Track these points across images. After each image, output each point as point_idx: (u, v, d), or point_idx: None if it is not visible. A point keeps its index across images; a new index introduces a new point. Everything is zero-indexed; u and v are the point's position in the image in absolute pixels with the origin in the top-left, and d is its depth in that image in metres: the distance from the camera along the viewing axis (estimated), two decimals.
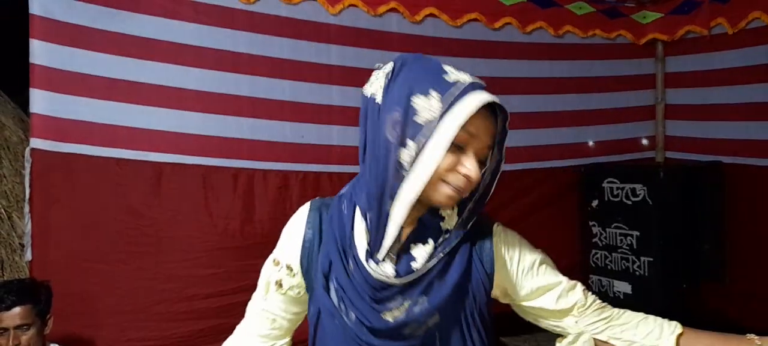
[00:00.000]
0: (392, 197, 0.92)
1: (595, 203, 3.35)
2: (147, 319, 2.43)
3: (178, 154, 2.46)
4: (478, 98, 0.91)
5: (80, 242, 2.32)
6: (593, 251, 3.38)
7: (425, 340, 0.98)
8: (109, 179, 2.36)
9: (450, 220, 1.00)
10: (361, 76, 3.08)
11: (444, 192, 0.93)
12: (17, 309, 1.87)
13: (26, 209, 2.25)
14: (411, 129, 0.89)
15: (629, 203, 3.18)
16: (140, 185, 2.42)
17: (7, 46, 3.34)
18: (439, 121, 0.89)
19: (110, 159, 2.35)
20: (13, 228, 2.63)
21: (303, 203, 2.87)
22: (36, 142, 2.23)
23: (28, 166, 2.24)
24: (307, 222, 1.06)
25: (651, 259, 3.11)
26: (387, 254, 0.96)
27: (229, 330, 2.77)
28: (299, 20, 2.67)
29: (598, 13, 3.32)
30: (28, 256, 2.26)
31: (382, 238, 0.94)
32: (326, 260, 1.01)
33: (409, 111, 0.89)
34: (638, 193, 3.14)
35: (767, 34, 2.88)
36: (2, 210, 2.61)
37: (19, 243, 2.59)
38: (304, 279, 1.07)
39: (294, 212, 2.90)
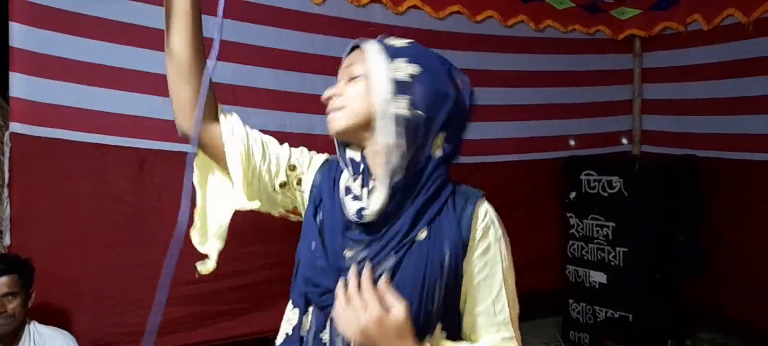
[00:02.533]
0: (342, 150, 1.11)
1: (572, 195, 3.42)
2: (127, 305, 2.42)
3: (161, 141, 2.45)
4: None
5: (60, 227, 2.31)
6: (570, 242, 3.45)
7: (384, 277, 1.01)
8: (90, 165, 2.36)
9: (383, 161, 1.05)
10: None
11: (327, 120, 1.09)
12: (4, 278, 1.93)
13: (5, 193, 2.24)
14: None
15: (605, 194, 3.25)
16: (122, 171, 2.41)
17: None
18: None
19: (91, 145, 2.35)
20: None
21: None
22: (15, 127, 2.22)
23: (7, 150, 2.22)
24: (319, 170, 1.18)
25: (626, 249, 3.19)
26: (363, 191, 1.06)
27: (210, 317, 2.79)
28: (283, 9, 2.68)
29: (578, 8, 3.38)
30: (7, 241, 2.24)
31: (353, 174, 1.08)
32: (319, 195, 1.13)
33: None
34: (614, 185, 3.21)
35: (742, 30, 2.96)
36: None
37: None
38: (301, 198, 1.18)
39: None
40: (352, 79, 1.07)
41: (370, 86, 1.03)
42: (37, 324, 2.10)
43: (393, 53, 1.06)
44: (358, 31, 3.05)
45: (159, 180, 2.47)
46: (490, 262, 1.07)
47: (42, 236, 2.27)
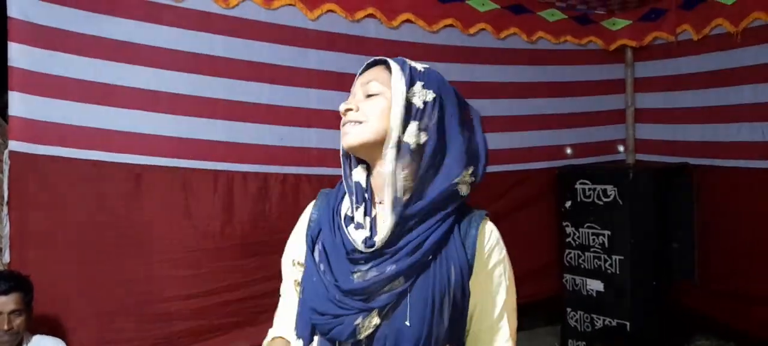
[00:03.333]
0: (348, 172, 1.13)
1: (568, 204, 3.44)
2: (125, 320, 2.44)
3: (156, 157, 2.48)
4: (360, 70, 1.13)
5: (58, 243, 2.33)
6: (567, 251, 3.47)
7: (392, 304, 1.02)
8: (86, 181, 2.37)
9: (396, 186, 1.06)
10: (340, 80, 3.15)
11: (342, 133, 1.09)
12: (13, 295, 1.97)
13: (4, 211, 2.25)
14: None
15: (601, 203, 3.27)
16: (118, 187, 2.43)
17: None
18: None
19: (87, 161, 2.36)
20: None
21: (282, 205, 2.93)
22: (14, 145, 2.24)
23: (6, 168, 2.24)
24: (314, 207, 1.18)
25: (622, 257, 3.20)
26: (366, 220, 1.06)
27: (206, 332, 2.80)
28: (278, 25, 2.71)
29: (569, 20, 3.43)
30: (6, 258, 2.25)
31: (356, 203, 1.08)
32: (317, 227, 1.13)
33: None
34: (609, 193, 3.23)
35: (730, 40, 3.01)
36: None
37: None
38: None
39: (273, 213, 2.92)
40: (371, 95, 1.07)
41: (387, 107, 1.05)
42: (29, 335, 2.12)
43: (412, 76, 1.07)
44: (353, 45, 3.11)
45: (154, 195, 2.49)
46: (494, 281, 1.11)
47: (40, 252, 2.28)
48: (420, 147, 1.04)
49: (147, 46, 2.45)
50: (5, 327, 1.96)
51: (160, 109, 2.48)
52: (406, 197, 1.04)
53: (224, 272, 2.60)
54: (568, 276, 3.49)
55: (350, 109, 1.08)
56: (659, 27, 3.37)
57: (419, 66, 1.10)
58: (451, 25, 3.12)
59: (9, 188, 2.25)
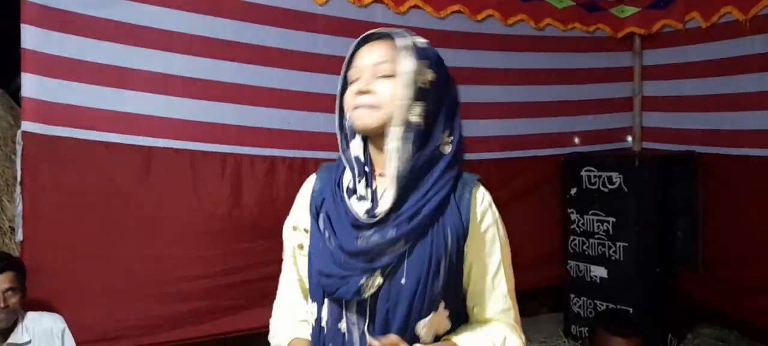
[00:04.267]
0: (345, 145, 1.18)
1: (573, 191, 3.46)
2: (135, 300, 2.49)
3: (166, 139, 2.52)
4: (356, 42, 1.16)
5: (70, 223, 2.37)
6: (571, 237, 3.49)
7: (394, 264, 1.09)
8: (98, 162, 2.41)
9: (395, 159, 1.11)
10: None
11: (354, 116, 1.12)
12: (8, 273, 2.02)
13: (18, 190, 2.30)
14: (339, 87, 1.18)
15: (606, 190, 3.29)
16: (129, 168, 2.47)
17: None
18: (342, 77, 1.17)
19: (99, 142, 2.40)
20: (3, 211, 2.67)
21: (289, 188, 2.96)
22: (27, 126, 2.27)
23: (19, 148, 2.28)
24: (317, 179, 1.25)
25: (626, 244, 3.23)
26: (367, 192, 1.12)
27: (215, 312, 2.84)
28: (287, 9, 2.73)
29: (577, 7, 3.42)
30: (19, 237, 2.30)
31: (357, 176, 1.14)
32: (320, 196, 1.20)
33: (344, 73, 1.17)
34: (614, 181, 3.25)
35: (739, 28, 3.00)
36: None
37: (9, 226, 2.63)
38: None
39: (280, 196, 2.95)
40: (384, 76, 1.10)
41: (398, 89, 1.09)
42: (23, 312, 2.15)
43: (419, 55, 1.11)
44: (360, 30, 3.11)
45: (164, 177, 2.52)
46: (488, 242, 1.17)
47: (52, 231, 2.33)
48: (420, 125, 1.10)
49: (158, 30, 2.47)
50: (1, 305, 2.00)
51: (170, 92, 2.51)
52: (406, 168, 1.09)
53: (232, 253, 2.64)
54: (572, 262, 3.51)
55: (365, 93, 1.10)
56: (668, 15, 3.35)
57: (420, 42, 1.14)
58: (458, 11, 3.12)
59: (22, 168, 2.29)
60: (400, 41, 1.12)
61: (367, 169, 1.14)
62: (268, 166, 2.71)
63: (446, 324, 1.15)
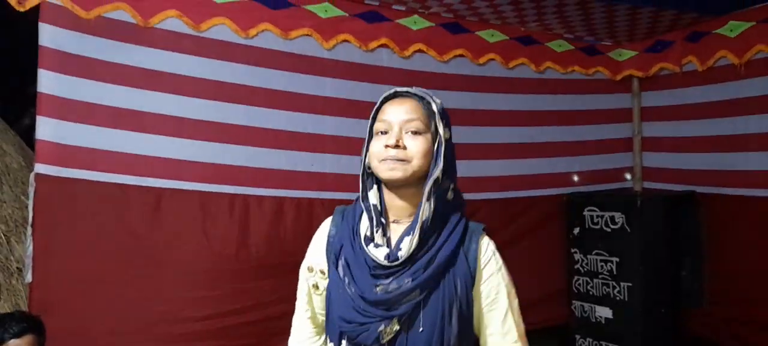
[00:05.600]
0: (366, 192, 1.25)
1: (576, 231, 3.48)
2: (144, 340, 2.48)
3: (177, 180, 2.55)
4: (383, 96, 1.25)
5: (80, 264, 2.38)
6: (575, 277, 3.50)
7: (410, 313, 1.18)
8: (110, 204, 2.44)
9: (424, 211, 1.20)
10: (355, 107, 3.24)
11: (382, 169, 1.19)
12: (27, 336, 1.96)
13: (28, 231, 2.31)
14: (366, 138, 1.26)
15: (609, 230, 3.31)
16: (140, 209, 2.49)
17: (7, 77, 3.46)
18: (369, 127, 1.25)
19: (112, 184, 2.43)
20: (12, 252, 2.68)
21: (296, 228, 3.00)
22: (40, 168, 2.31)
23: (31, 190, 2.31)
24: (332, 223, 1.32)
25: (631, 284, 3.23)
26: (384, 239, 1.21)
27: None
28: (295, 54, 2.80)
29: (577, 51, 3.52)
30: (29, 278, 2.31)
31: (375, 226, 1.22)
32: (339, 243, 1.27)
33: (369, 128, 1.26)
34: (617, 221, 3.28)
35: (735, 71, 3.08)
36: (1, 235, 2.66)
37: (17, 267, 2.64)
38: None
39: (288, 236, 2.97)
40: (414, 133, 1.20)
41: (429, 148, 1.20)
42: None
43: (442, 115, 1.23)
44: (367, 73, 3.20)
45: (174, 217, 2.55)
46: (494, 288, 1.25)
47: (62, 272, 2.33)
48: (440, 178, 1.21)
49: (171, 74, 2.54)
50: None
51: (182, 135, 2.56)
52: (430, 219, 1.18)
53: (240, 293, 2.65)
54: (576, 303, 3.51)
55: (397, 146, 1.19)
56: (665, 58, 3.44)
57: (439, 102, 1.25)
58: (461, 55, 3.21)
59: (34, 209, 2.31)
60: (431, 104, 1.23)
61: (382, 219, 1.23)
62: (275, 207, 2.74)
63: None
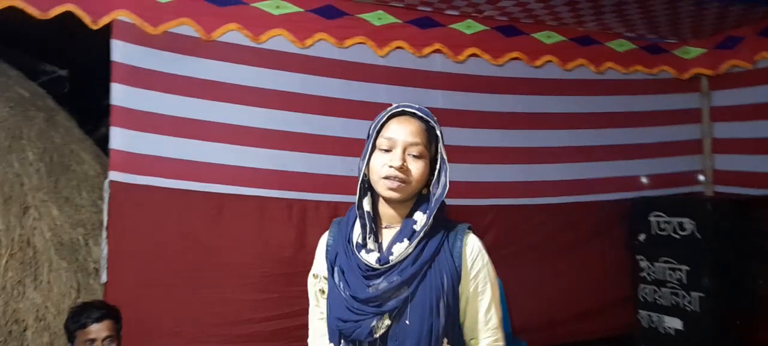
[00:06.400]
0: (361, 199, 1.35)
1: (642, 237, 3.34)
2: (205, 341, 2.59)
3: (238, 186, 2.66)
4: (389, 112, 1.33)
5: (147, 266, 2.52)
6: (641, 286, 3.35)
7: (399, 307, 1.28)
8: (175, 209, 2.57)
9: (420, 222, 1.32)
10: None
11: (383, 185, 1.28)
12: (106, 322, 2.11)
13: (104, 235, 2.48)
14: (364, 150, 1.35)
15: (677, 236, 3.16)
16: (203, 214, 2.62)
17: (84, 90, 3.70)
18: (372, 139, 1.33)
19: (177, 190, 2.57)
20: (89, 254, 2.87)
21: None
22: (114, 175, 2.47)
23: (106, 196, 2.47)
24: (330, 234, 1.44)
25: (702, 295, 3.06)
26: (375, 245, 1.31)
27: None
28: (349, 62, 2.86)
29: (639, 50, 3.39)
30: (104, 278, 2.47)
31: (368, 232, 1.32)
32: (334, 251, 1.40)
33: (366, 139, 1.36)
34: (686, 227, 3.12)
35: None
36: (80, 238, 2.85)
37: (94, 268, 2.82)
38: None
39: None
40: (416, 157, 1.29)
41: (427, 168, 1.31)
42: None
43: (442, 136, 1.33)
44: (420, 79, 3.19)
45: (234, 222, 2.65)
46: (480, 283, 1.35)
47: (132, 273, 2.48)
48: (434, 192, 1.33)
49: (231, 85, 2.66)
50: None
51: (242, 142, 2.67)
52: (426, 226, 1.30)
53: (297, 296, 2.69)
54: (643, 312, 3.36)
55: (401, 168, 1.27)
56: (736, 55, 3.26)
57: (438, 125, 1.36)
58: (516, 58, 3.16)
59: (108, 215, 2.47)
60: (435, 128, 1.33)
61: (374, 225, 1.33)
62: (331, 211, 2.79)
63: None
